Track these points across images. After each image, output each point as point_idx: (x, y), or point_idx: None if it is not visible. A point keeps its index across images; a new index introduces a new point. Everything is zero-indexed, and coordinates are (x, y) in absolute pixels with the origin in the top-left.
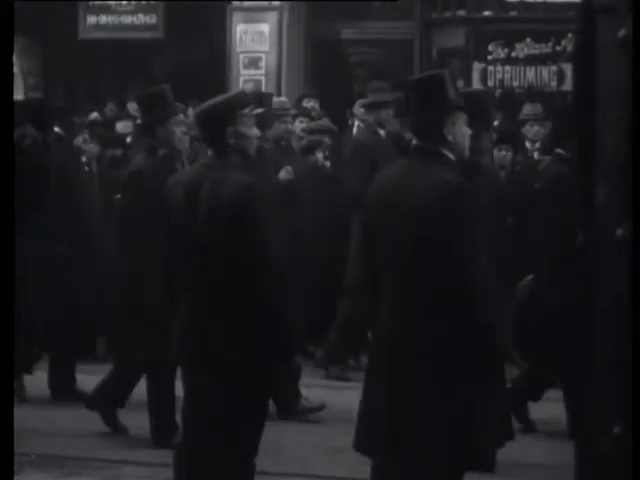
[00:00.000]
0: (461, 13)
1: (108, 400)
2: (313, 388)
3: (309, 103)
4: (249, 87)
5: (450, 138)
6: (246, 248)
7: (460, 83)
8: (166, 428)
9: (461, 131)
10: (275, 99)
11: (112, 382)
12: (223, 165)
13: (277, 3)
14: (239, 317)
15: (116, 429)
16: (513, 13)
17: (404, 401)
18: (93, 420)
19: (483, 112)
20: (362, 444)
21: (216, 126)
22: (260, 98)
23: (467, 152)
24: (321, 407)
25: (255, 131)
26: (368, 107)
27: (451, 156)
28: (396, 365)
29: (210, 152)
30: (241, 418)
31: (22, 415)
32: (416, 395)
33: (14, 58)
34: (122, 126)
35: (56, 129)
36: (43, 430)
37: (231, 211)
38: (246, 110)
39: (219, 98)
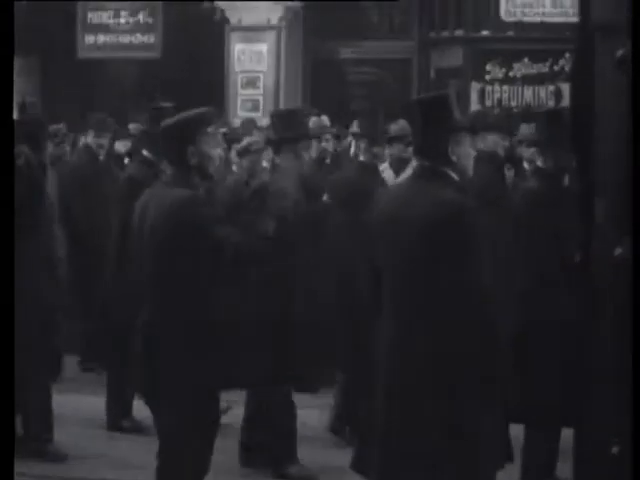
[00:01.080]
0: (459, 33)
1: None
2: None
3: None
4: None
5: (454, 158)
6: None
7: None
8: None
9: (465, 152)
10: (314, 118)
11: None
12: (178, 182)
13: (275, 23)
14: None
15: None
16: (510, 33)
17: (403, 421)
18: None
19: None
20: (359, 465)
21: (177, 144)
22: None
23: (471, 172)
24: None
25: (218, 151)
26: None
27: (455, 176)
28: (395, 384)
29: (169, 170)
30: None
31: None
32: (415, 417)
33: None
34: (121, 145)
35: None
36: None
37: (168, 223)
38: (209, 129)
39: (182, 115)
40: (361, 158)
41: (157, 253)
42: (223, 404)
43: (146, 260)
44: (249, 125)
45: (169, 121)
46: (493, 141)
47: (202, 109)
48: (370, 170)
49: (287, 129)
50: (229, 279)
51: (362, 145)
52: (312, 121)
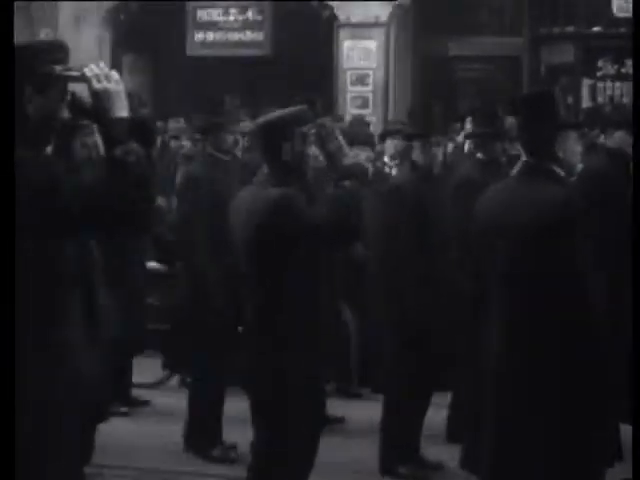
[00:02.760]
0: (570, 29)
1: None
2: None
3: None
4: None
5: (561, 155)
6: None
7: (569, 99)
8: None
9: (572, 149)
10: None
11: None
12: (272, 182)
13: (384, 20)
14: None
15: None
16: (623, 29)
17: (514, 419)
18: None
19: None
20: (469, 463)
21: (273, 141)
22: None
23: (577, 170)
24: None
25: (314, 150)
26: None
27: (561, 173)
28: (505, 385)
29: (264, 167)
30: None
31: None
32: (526, 415)
33: (124, 75)
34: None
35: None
36: None
37: (265, 222)
38: (305, 127)
39: (279, 113)
40: (479, 155)
41: (257, 255)
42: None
43: (246, 263)
44: (358, 122)
45: (265, 119)
46: (620, 138)
47: (299, 108)
48: (491, 167)
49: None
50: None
51: (478, 142)
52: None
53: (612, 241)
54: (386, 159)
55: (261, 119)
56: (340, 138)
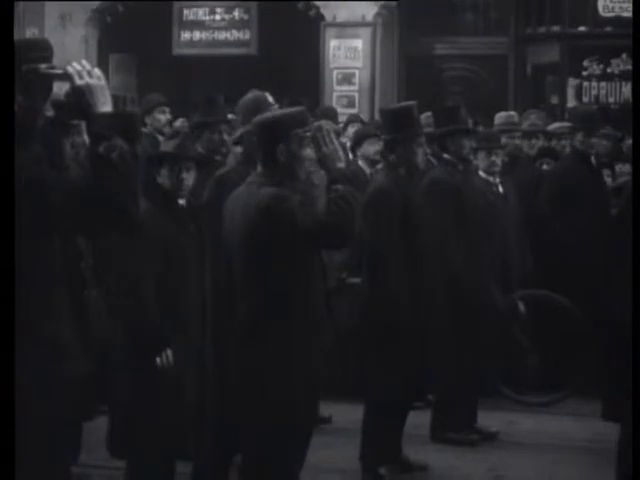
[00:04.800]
0: (555, 29)
1: None
2: None
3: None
4: None
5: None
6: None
7: (555, 99)
8: None
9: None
10: (503, 113)
11: None
12: (264, 182)
13: (370, 19)
14: None
15: None
16: (608, 29)
17: None
18: None
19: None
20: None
21: (268, 141)
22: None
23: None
24: None
25: (308, 152)
26: None
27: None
28: None
29: (258, 167)
30: None
31: None
32: None
33: (111, 74)
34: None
35: None
36: None
37: (256, 220)
38: (302, 130)
39: (277, 112)
40: (446, 156)
41: (249, 255)
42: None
43: (239, 262)
44: (355, 119)
45: (262, 118)
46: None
47: (296, 109)
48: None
49: (402, 126)
50: None
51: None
52: (501, 116)
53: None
54: (360, 162)
55: (257, 118)
56: (336, 141)
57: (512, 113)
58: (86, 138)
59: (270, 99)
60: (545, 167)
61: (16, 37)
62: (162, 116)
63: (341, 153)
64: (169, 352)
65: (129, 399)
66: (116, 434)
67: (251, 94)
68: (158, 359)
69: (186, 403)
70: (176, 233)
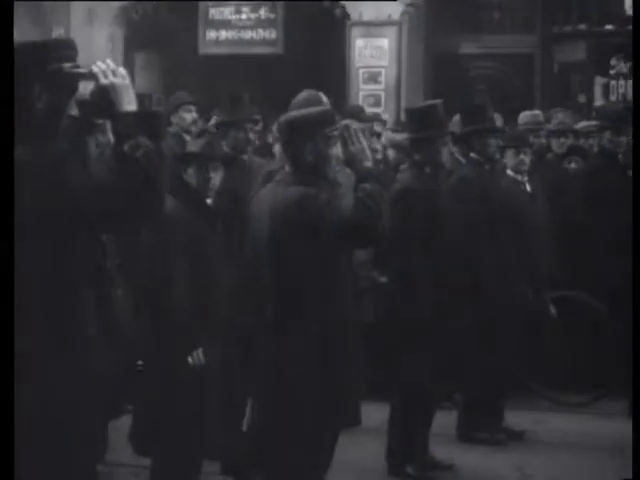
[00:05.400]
0: (582, 27)
1: None
2: None
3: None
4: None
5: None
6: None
7: (582, 97)
8: None
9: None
10: (527, 112)
11: None
12: (292, 181)
13: (396, 18)
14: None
15: None
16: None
17: None
18: None
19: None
20: None
21: (295, 140)
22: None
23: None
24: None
25: (336, 152)
26: None
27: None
28: None
29: (286, 166)
30: None
31: None
32: None
33: (136, 73)
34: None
35: None
36: None
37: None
38: (329, 128)
39: (304, 111)
40: (472, 155)
41: (277, 254)
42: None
43: (267, 261)
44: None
45: (289, 117)
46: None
47: (324, 108)
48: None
49: (427, 126)
50: None
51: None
52: (525, 115)
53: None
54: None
55: (284, 117)
56: (363, 140)
57: (537, 112)
58: (111, 137)
59: (324, 99)
60: (574, 165)
61: (42, 37)
62: (188, 115)
63: (368, 152)
64: (200, 351)
65: (157, 397)
66: (141, 432)
67: (304, 93)
68: (190, 358)
69: (213, 402)
70: (205, 232)
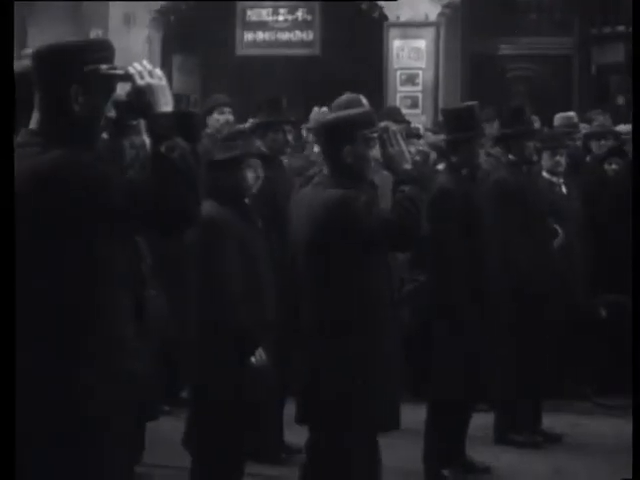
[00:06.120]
0: (620, 29)
1: None
2: None
3: None
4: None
5: None
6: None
7: (620, 99)
8: None
9: None
10: (562, 114)
11: None
12: (331, 183)
13: (434, 19)
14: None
15: None
16: None
17: None
18: None
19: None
20: None
21: (334, 142)
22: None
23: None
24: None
25: (375, 153)
26: None
27: None
28: None
29: (324, 168)
30: None
31: None
32: None
33: (174, 75)
34: None
35: None
36: None
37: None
38: (368, 130)
39: (342, 113)
40: (510, 157)
41: (315, 256)
42: None
43: (305, 264)
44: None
45: (328, 119)
46: None
47: (362, 109)
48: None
49: (464, 127)
50: None
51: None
52: (560, 117)
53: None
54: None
55: (323, 120)
56: (402, 142)
57: (572, 114)
58: (145, 138)
59: (364, 101)
60: (614, 167)
61: (80, 38)
62: (220, 116)
63: (407, 154)
64: (261, 351)
65: (212, 398)
66: (193, 432)
67: (345, 96)
68: (253, 358)
69: (265, 402)
70: (247, 232)
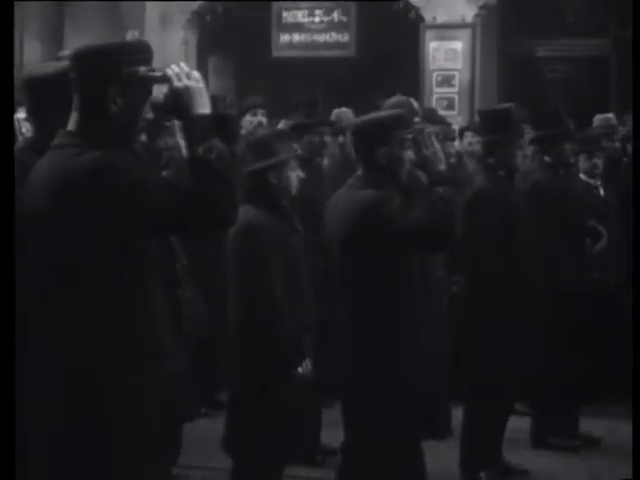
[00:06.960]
0: None
1: None
2: None
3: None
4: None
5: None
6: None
7: None
8: None
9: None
10: (600, 116)
11: None
12: (364, 184)
13: (470, 20)
14: None
15: None
16: None
17: None
18: None
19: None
20: None
21: (369, 143)
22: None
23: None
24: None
25: (409, 154)
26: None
27: None
28: None
29: (359, 169)
30: None
31: None
32: None
33: (210, 77)
34: None
35: None
36: None
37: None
38: (404, 131)
39: (376, 115)
40: (546, 159)
41: (349, 258)
42: None
43: (339, 263)
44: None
45: (363, 120)
46: None
47: (397, 110)
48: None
49: (501, 129)
50: None
51: (544, 146)
52: (598, 119)
53: None
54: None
55: (357, 121)
56: (436, 144)
57: (610, 115)
58: (179, 139)
59: (415, 104)
60: None
61: (116, 40)
62: (253, 118)
63: (441, 155)
64: (308, 362)
65: (257, 403)
66: (236, 435)
67: (395, 98)
68: (300, 369)
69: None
70: (288, 235)
